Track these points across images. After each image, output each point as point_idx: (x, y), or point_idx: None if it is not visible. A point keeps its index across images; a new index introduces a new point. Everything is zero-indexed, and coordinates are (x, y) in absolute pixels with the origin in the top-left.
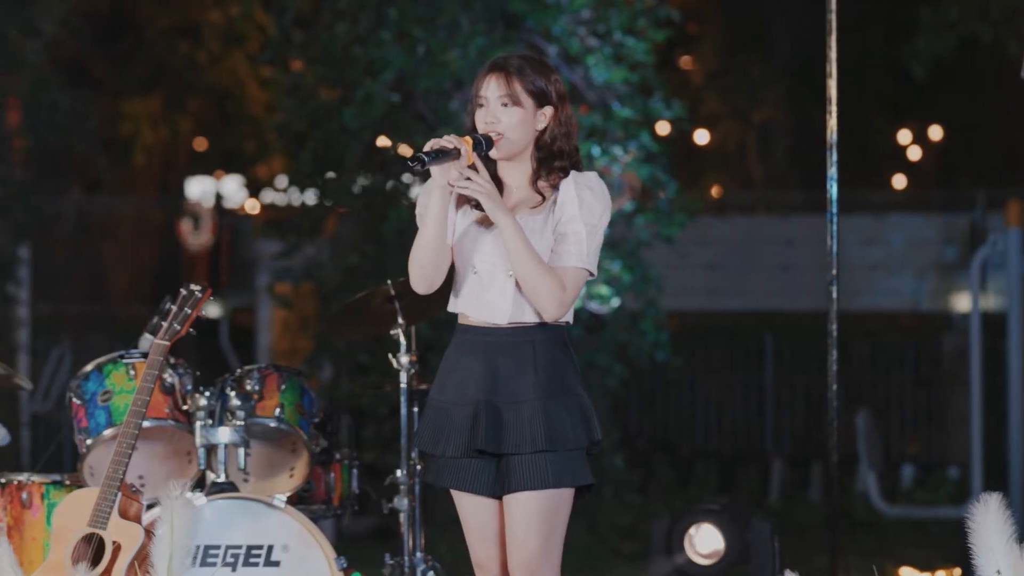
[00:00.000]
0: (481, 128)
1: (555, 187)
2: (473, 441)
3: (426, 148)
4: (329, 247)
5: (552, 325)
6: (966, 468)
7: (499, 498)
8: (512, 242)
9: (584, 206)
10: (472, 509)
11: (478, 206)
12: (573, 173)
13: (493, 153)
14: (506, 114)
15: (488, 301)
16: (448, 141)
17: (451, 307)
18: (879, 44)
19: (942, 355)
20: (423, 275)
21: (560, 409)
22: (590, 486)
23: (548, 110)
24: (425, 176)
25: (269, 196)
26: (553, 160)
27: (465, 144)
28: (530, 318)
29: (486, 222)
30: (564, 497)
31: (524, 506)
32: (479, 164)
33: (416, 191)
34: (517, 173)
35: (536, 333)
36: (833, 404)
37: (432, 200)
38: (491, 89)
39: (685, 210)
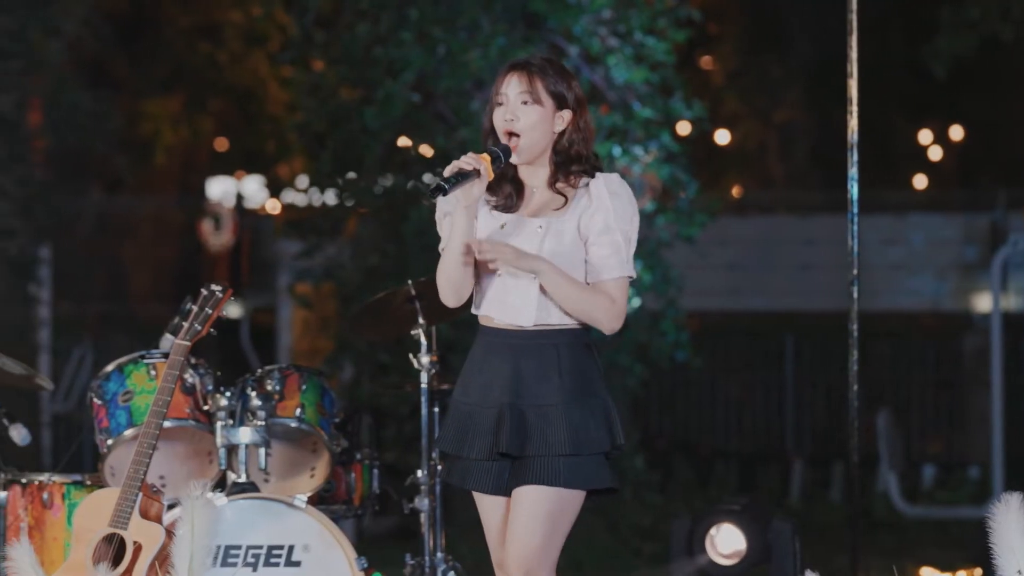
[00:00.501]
0: (499, 125)
1: (575, 187)
2: (497, 444)
3: (446, 173)
4: (350, 247)
5: (576, 328)
6: (987, 468)
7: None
8: (553, 284)
9: (617, 214)
10: (494, 510)
11: (497, 208)
12: (599, 176)
13: (513, 159)
14: (525, 112)
15: (512, 304)
16: (466, 162)
17: (475, 309)
18: (899, 44)
19: (963, 355)
20: (452, 289)
21: (584, 413)
22: (610, 489)
23: (567, 114)
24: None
25: (290, 196)
26: (570, 164)
27: (484, 161)
28: (555, 320)
29: (510, 226)
30: (572, 498)
31: (531, 501)
32: (480, 187)
33: None
34: (537, 175)
35: (560, 336)
36: (854, 404)
37: (458, 220)
38: (512, 87)
39: (705, 210)
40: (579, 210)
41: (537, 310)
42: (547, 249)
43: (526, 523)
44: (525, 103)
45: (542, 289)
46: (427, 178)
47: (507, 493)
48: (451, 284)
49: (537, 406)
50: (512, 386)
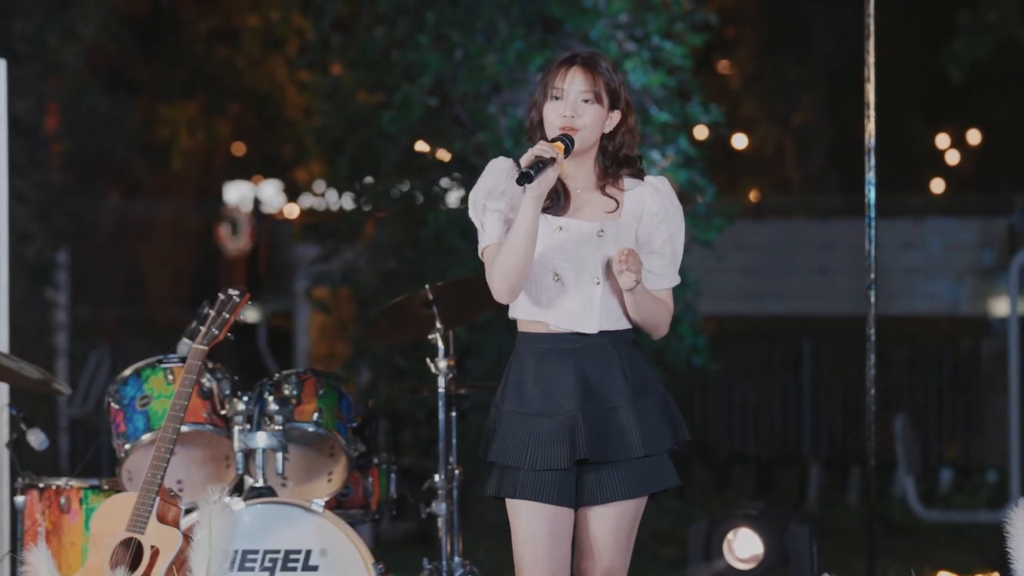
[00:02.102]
0: (557, 120)
1: (622, 189)
2: (576, 451)
3: (526, 162)
4: (367, 251)
5: (629, 327)
6: (1004, 472)
7: (575, 508)
8: (640, 298)
9: (674, 223)
10: (542, 522)
11: (547, 211)
12: (652, 181)
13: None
14: (586, 111)
15: (573, 310)
16: (543, 150)
17: (519, 314)
18: (917, 48)
19: (980, 359)
20: (510, 285)
21: (651, 411)
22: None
23: (616, 114)
24: (469, 181)
25: (307, 200)
26: (619, 167)
27: (558, 150)
28: (613, 324)
29: (566, 230)
30: (644, 501)
31: (607, 519)
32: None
33: (453, 196)
34: (580, 174)
35: (616, 335)
36: (871, 408)
37: (526, 209)
38: (575, 83)
39: (723, 214)
40: (636, 215)
41: (600, 316)
42: (610, 255)
43: (605, 542)
44: (587, 101)
45: (613, 293)
46: (444, 182)
47: (569, 504)
48: (510, 277)
49: (608, 409)
50: (579, 391)
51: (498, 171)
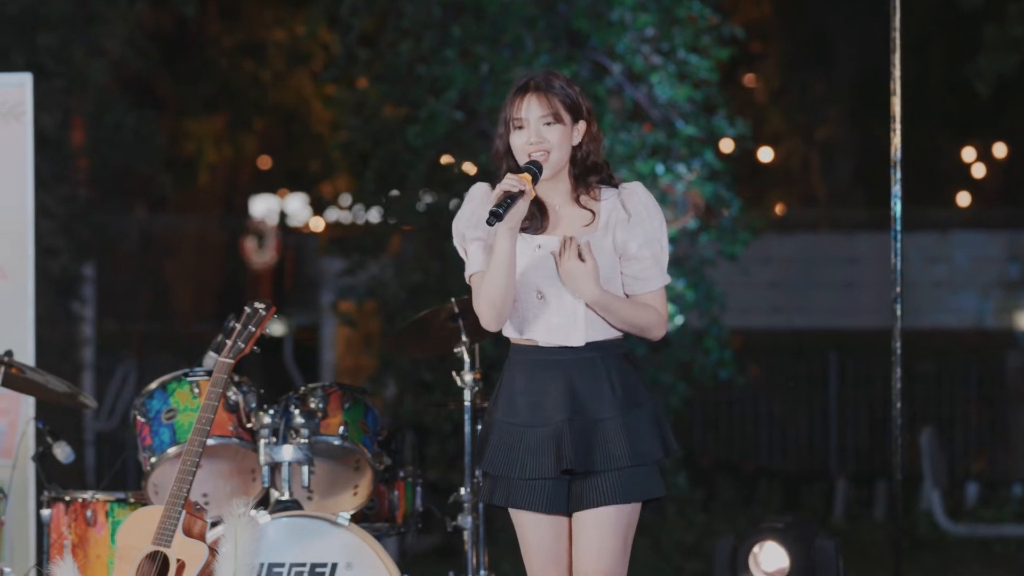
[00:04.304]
0: (524, 150)
1: (598, 199)
2: (561, 462)
3: (494, 200)
4: (393, 265)
5: (618, 339)
6: None
7: (569, 516)
8: (609, 309)
9: (654, 225)
10: (542, 530)
11: (525, 230)
12: (624, 187)
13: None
14: (550, 132)
15: (559, 325)
16: (510, 184)
17: (511, 333)
18: (942, 62)
19: (1006, 372)
20: (495, 314)
21: (640, 422)
22: (658, 497)
23: (582, 125)
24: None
25: (333, 214)
26: (589, 175)
27: (525, 181)
28: (601, 335)
29: (545, 247)
30: (633, 510)
31: (599, 523)
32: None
33: None
34: (556, 191)
35: (605, 348)
36: (897, 422)
37: (502, 241)
38: (532, 110)
39: (748, 228)
40: (612, 224)
41: (586, 329)
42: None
43: (598, 544)
44: (548, 124)
45: (587, 306)
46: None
47: (562, 512)
48: (494, 307)
49: (595, 420)
50: (567, 402)
51: (477, 198)
